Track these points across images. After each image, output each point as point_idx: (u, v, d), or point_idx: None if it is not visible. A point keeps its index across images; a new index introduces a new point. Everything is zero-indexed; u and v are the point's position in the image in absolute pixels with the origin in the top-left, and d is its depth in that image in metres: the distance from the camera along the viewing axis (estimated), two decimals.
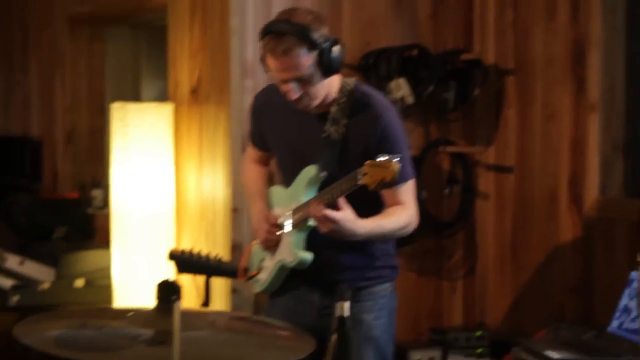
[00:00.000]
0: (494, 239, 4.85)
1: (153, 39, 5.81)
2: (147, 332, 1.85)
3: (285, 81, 2.97)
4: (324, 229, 2.89)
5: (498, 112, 4.83)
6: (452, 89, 4.72)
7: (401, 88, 4.58)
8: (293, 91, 2.97)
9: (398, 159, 2.70)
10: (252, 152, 3.40)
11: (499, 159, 4.83)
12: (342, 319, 2.08)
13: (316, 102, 3.02)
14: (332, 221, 2.86)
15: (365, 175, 2.74)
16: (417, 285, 4.79)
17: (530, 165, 4.71)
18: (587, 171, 4.47)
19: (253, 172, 3.39)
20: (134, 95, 5.48)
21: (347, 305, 2.11)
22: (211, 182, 4.48)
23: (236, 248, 4.31)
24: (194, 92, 4.62)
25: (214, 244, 4.43)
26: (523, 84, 4.74)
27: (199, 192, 4.58)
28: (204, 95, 4.55)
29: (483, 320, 4.83)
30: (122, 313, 1.95)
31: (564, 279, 4.53)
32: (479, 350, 4.59)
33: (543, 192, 4.65)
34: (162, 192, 4.58)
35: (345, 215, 2.87)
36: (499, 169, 4.83)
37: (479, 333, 4.62)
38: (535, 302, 4.65)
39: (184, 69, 4.68)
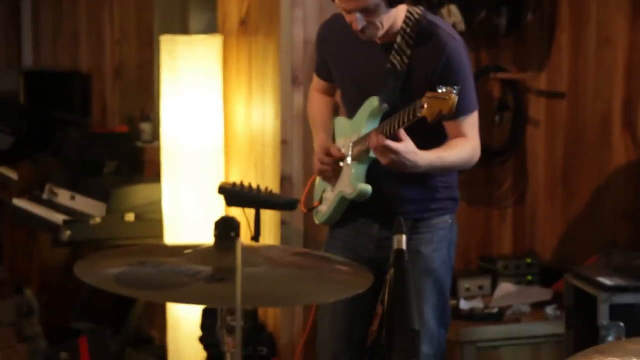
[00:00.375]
0: (545, 166, 4.81)
1: None
2: (207, 269, 1.86)
3: (351, 11, 2.95)
4: (384, 160, 2.89)
5: (551, 37, 4.75)
6: (504, 14, 4.64)
7: (452, 14, 4.52)
8: (358, 21, 2.95)
9: (456, 91, 2.68)
10: (317, 83, 3.40)
11: (551, 85, 4.76)
12: (400, 251, 2.09)
13: (381, 32, 2.99)
14: (393, 152, 2.85)
15: (424, 107, 2.73)
16: (467, 214, 4.77)
17: (583, 91, 4.64)
18: None
19: (318, 103, 3.39)
20: (183, 27, 5.46)
21: (404, 238, 2.11)
22: (260, 115, 4.47)
23: (285, 181, 4.32)
24: (243, 23, 4.59)
25: (263, 177, 4.44)
26: (577, 8, 4.64)
27: (249, 125, 4.58)
28: (253, 26, 4.53)
29: (533, 248, 4.82)
30: (180, 250, 1.97)
31: (616, 205, 4.49)
32: (529, 278, 4.59)
33: (596, 118, 4.58)
34: (212, 125, 4.59)
35: (406, 147, 2.86)
36: (551, 95, 4.76)
37: (529, 261, 4.61)
38: (587, 228, 4.62)
39: (234, 0, 4.65)
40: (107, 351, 4.62)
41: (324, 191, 3.29)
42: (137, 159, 5.45)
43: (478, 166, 4.72)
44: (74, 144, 5.43)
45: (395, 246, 2.09)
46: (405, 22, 3.03)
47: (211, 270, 1.86)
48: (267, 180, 4.40)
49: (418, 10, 3.07)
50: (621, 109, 4.46)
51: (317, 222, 3.35)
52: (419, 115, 2.77)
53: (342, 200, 3.17)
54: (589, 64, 4.60)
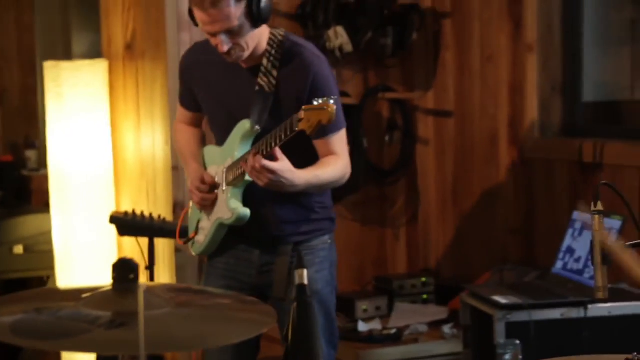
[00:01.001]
0: (436, 184, 4.86)
1: None
2: (106, 314, 1.80)
3: (215, 34, 2.93)
4: (261, 182, 2.87)
5: (436, 56, 4.81)
6: (390, 34, 4.68)
7: (339, 36, 4.54)
8: (223, 43, 2.93)
9: (333, 100, 2.69)
10: (182, 114, 3.35)
11: (438, 103, 4.83)
12: (302, 286, 2.06)
13: (247, 53, 2.98)
14: (271, 172, 2.84)
15: (302, 121, 2.73)
16: (361, 234, 4.80)
17: (470, 109, 4.71)
18: (526, 112, 4.48)
19: (185, 134, 3.34)
20: (65, 51, 5.36)
21: (305, 272, 2.09)
22: (150, 141, 4.40)
23: (178, 206, 4.26)
24: (129, 47, 4.52)
25: (155, 204, 4.38)
26: (460, 27, 4.72)
27: (138, 151, 4.50)
28: (139, 50, 4.46)
29: (428, 266, 4.86)
30: (77, 294, 1.90)
31: (506, 221, 4.57)
32: (425, 297, 4.62)
33: (483, 135, 4.66)
34: (100, 152, 4.50)
35: (283, 166, 2.86)
36: (439, 114, 4.83)
37: (423, 279, 4.65)
38: (479, 245, 4.69)
39: (118, 24, 4.57)
40: None
41: (199, 221, 3.24)
42: (24, 188, 5.31)
43: (370, 186, 4.79)
44: None
45: (297, 281, 2.07)
46: (269, 43, 3.03)
47: (110, 315, 1.81)
48: (159, 207, 4.33)
49: (280, 32, 3.08)
50: (507, 125, 4.55)
51: (193, 253, 3.29)
52: (296, 129, 2.76)
53: (220, 226, 3.13)
54: (474, 81, 4.67)
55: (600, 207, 2.39)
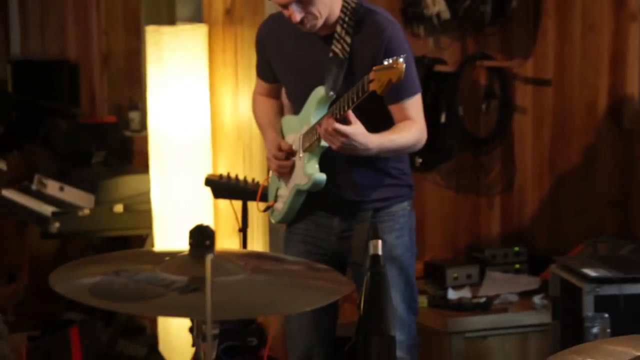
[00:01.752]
0: (532, 153, 4.81)
1: None
2: (181, 279, 1.87)
3: (286, 5, 2.97)
4: (335, 145, 2.92)
5: (536, 24, 4.74)
6: (488, 2, 4.62)
7: (437, 3, 4.51)
8: (296, 13, 2.97)
9: (403, 58, 2.71)
10: (260, 86, 3.41)
11: (537, 72, 4.76)
12: (375, 257, 2.09)
13: (320, 21, 3.02)
14: (344, 135, 2.87)
15: (373, 82, 2.76)
16: (455, 202, 4.79)
17: (569, 78, 4.64)
18: (627, 83, 4.39)
19: (263, 106, 3.39)
20: (169, 15, 5.45)
21: (380, 243, 2.12)
22: (247, 105, 4.47)
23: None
24: (228, 13, 4.58)
25: (250, 167, 4.45)
26: None
27: (236, 116, 4.58)
28: (238, 16, 4.52)
29: (521, 236, 4.83)
30: (157, 258, 1.97)
31: (603, 193, 4.50)
32: (517, 266, 4.60)
33: (582, 105, 4.59)
34: (199, 116, 4.59)
35: (355, 129, 2.89)
36: (537, 82, 4.76)
37: (516, 249, 4.62)
38: (574, 216, 4.63)
39: None
40: (98, 341, 4.64)
41: (277, 189, 3.29)
42: (126, 149, 5.45)
43: (465, 154, 4.77)
44: (62, 134, 5.43)
45: (372, 251, 2.10)
46: (342, 11, 3.06)
47: (186, 280, 1.87)
48: (254, 170, 4.41)
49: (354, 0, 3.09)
50: (607, 96, 4.47)
51: (273, 221, 3.35)
52: (367, 90, 2.80)
53: (298, 193, 3.18)
54: (574, 51, 4.60)
55: None
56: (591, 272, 3.59)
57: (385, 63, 2.75)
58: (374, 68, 2.78)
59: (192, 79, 4.56)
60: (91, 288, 1.85)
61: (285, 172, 3.21)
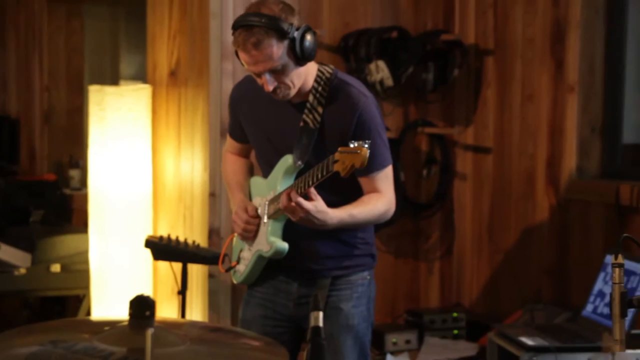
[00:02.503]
0: (472, 219, 4.87)
1: (131, 14, 5.77)
2: (120, 350, 1.84)
3: (259, 74, 2.97)
4: (295, 218, 2.92)
5: (477, 92, 4.83)
6: (431, 70, 4.71)
7: (380, 70, 4.57)
8: (269, 83, 2.97)
9: (367, 145, 2.71)
10: (231, 145, 3.40)
11: (478, 139, 4.84)
12: (316, 329, 2.09)
13: (293, 91, 3.01)
14: (303, 211, 2.88)
15: (337, 162, 2.76)
16: (394, 267, 4.81)
17: (509, 147, 4.72)
18: (565, 152, 4.48)
19: (233, 165, 3.39)
20: (113, 73, 5.45)
21: (321, 315, 2.11)
22: (189, 167, 4.47)
23: (213, 233, 4.31)
24: (173, 74, 4.59)
25: (191, 229, 4.43)
26: (502, 65, 4.74)
27: (177, 177, 4.57)
28: (182, 78, 4.53)
29: (460, 302, 4.86)
30: (95, 327, 1.95)
31: (540, 260, 4.56)
32: (455, 332, 4.62)
33: (520, 173, 4.66)
34: (140, 176, 4.57)
35: (316, 206, 2.89)
36: (477, 150, 4.84)
37: (455, 314, 4.65)
38: (512, 283, 4.68)
39: (163, 50, 4.65)
40: None
41: (241, 250, 3.29)
42: (65, 207, 5.40)
43: (406, 219, 4.80)
44: (0, 191, 5.36)
45: (312, 323, 2.09)
46: (316, 80, 3.06)
47: (125, 352, 1.85)
48: (195, 232, 4.39)
49: (328, 69, 3.10)
50: (545, 164, 4.55)
51: (235, 281, 3.34)
52: (331, 170, 2.80)
53: (259, 258, 3.18)
54: (514, 120, 4.68)
55: (621, 260, 2.39)
56: (528, 341, 3.62)
57: (351, 146, 2.74)
58: (339, 149, 2.77)
59: (134, 139, 4.55)
60: (27, 359, 1.82)
61: (249, 236, 3.21)
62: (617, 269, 2.38)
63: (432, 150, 4.89)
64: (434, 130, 4.85)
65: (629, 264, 3.64)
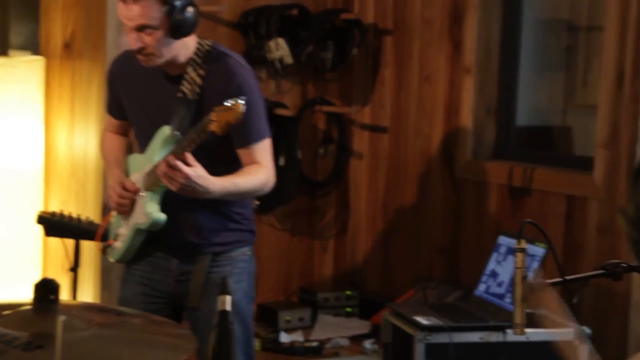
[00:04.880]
0: (367, 198, 4.90)
1: None
2: (23, 335, 1.79)
3: (131, 30, 2.96)
4: (175, 186, 2.91)
5: (375, 72, 4.85)
6: (330, 48, 4.71)
7: (280, 48, 4.54)
8: (135, 40, 2.96)
9: (242, 101, 2.74)
10: (110, 122, 3.37)
11: (375, 119, 4.86)
12: (224, 313, 2.06)
13: (159, 60, 3.01)
14: (182, 176, 2.86)
15: (213, 122, 2.78)
16: (289, 244, 4.81)
17: (405, 126, 4.75)
18: (460, 134, 4.53)
19: (110, 142, 3.36)
20: (2, 42, 5.26)
21: (228, 299, 2.09)
22: (83, 142, 4.37)
23: (107, 209, 4.22)
24: (67, 46, 4.47)
25: (84, 205, 4.34)
26: (400, 45, 4.76)
27: (70, 152, 4.46)
28: (77, 50, 4.41)
29: (353, 280, 4.89)
30: None
31: (434, 240, 4.62)
32: (349, 310, 4.66)
33: (416, 153, 4.70)
34: (31, 150, 4.45)
35: (195, 171, 2.90)
36: (374, 129, 4.86)
37: (348, 292, 4.68)
38: (405, 261, 4.73)
39: (57, 20, 4.52)
40: None
41: (118, 227, 3.25)
42: None
43: (301, 197, 4.80)
44: None
45: (220, 307, 2.07)
46: (195, 52, 3.07)
47: (28, 336, 1.79)
48: (88, 208, 4.30)
49: (208, 42, 3.12)
50: (440, 145, 4.60)
51: (111, 259, 3.30)
52: (207, 130, 2.81)
53: (137, 232, 3.14)
54: (410, 100, 4.72)
55: (523, 244, 2.42)
56: (423, 320, 3.66)
57: (226, 104, 2.77)
58: (214, 109, 2.80)
59: (25, 112, 4.42)
60: None
61: (125, 210, 3.17)
62: (519, 254, 2.41)
63: (329, 129, 4.90)
64: (331, 109, 4.85)
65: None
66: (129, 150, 3.34)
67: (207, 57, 3.07)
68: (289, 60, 4.54)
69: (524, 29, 4.53)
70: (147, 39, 2.97)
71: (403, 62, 4.75)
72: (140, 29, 2.95)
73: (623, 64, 3.72)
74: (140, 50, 2.99)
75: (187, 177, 2.88)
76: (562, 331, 3.62)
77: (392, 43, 4.79)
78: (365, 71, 4.85)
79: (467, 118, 4.51)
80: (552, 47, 4.74)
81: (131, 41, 2.98)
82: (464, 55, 4.50)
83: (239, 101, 2.76)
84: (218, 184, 2.97)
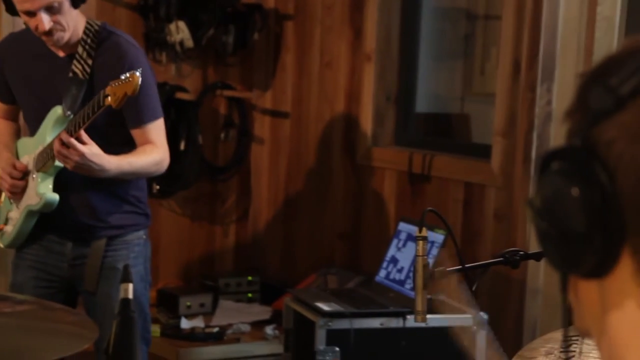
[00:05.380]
0: (268, 184, 4.90)
1: None
2: None
3: (35, 12, 2.92)
4: (70, 164, 2.89)
5: (276, 57, 4.84)
6: (231, 32, 4.68)
7: (180, 31, 4.50)
8: (44, 22, 2.92)
9: (139, 72, 2.74)
10: None
11: (276, 104, 4.86)
12: (126, 301, 2.05)
13: (67, 34, 3.01)
14: (77, 154, 2.84)
15: (108, 96, 2.77)
16: (190, 229, 4.78)
17: (306, 112, 4.76)
18: (361, 120, 4.56)
19: None
20: None
21: (130, 286, 2.07)
22: None
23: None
24: None
25: None
26: (301, 30, 4.76)
27: None
28: None
29: (255, 265, 4.89)
30: None
31: (335, 225, 4.64)
32: (250, 295, 4.66)
33: (317, 139, 4.72)
34: None
35: (90, 149, 2.87)
36: (275, 114, 4.86)
37: (250, 278, 4.68)
38: (306, 247, 4.75)
39: None
40: None
41: (8, 211, 3.20)
42: None
43: (202, 182, 4.78)
44: None
45: (122, 295, 2.05)
46: (84, 32, 3.06)
47: None
48: None
49: (97, 22, 3.12)
50: (341, 131, 4.62)
51: (1, 245, 3.24)
52: (103, 104, 2.81)
53: (29, 214, 3.10)
54: (312, 86, 4.73)
55: (425, 233, 2.45)
56: (324, 306, 3.69)
57: (122, 77, 2.76)
58: (110, 83, 2.80)
59: None
60: None
61: (17, 192, 3.12)
62: (420, 242, 2.44)
63: (231, 114, 4.87)
64: (232, 94, 4.83)
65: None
66: (18, 135, 3.28)
67: (97, 37, 3.06)
68: (189, 43, 4.50)
69: (423, 17, 4.57)
70: (56, 15, 2.94)
71: (304, 47, 4.75)
72: (49, 8, 2.91)
73: (519, 53, 3.79)
74: (49, 31, 2.94)
75: (82, 154, 2.85)
76: (460, 317, 3.69)
77: (293, 28, 4.79)
78: (267, 56, 4.84)
79: (367, 104, 4.54)
80: (451, 35, 4.81)
81: (38, 25, 2.93)
82: (364, 42, 4.52)
83: (136, 73, 2.76)
84: (114, 162, 2.96)
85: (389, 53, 4.55)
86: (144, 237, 3.23)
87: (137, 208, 3.20)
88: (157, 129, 3.10)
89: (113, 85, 2.78)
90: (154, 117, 3.08)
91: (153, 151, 3.07)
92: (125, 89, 2.76)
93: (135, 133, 3.07)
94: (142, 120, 3.03)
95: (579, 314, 1.05)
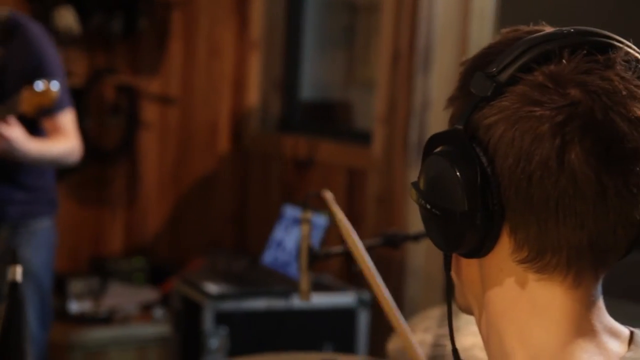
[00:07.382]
0: (157, 168, 4.96)
1: None
2: None
3: None
4: None
5: (164, 44, 4.90)
6: (119, 18, 4.71)
7: (66, 17, 4.51)
8: None
9: (57, 85, 2.78)
10: None
11: (163, 90, 4.92)
12: (14, 284, 2.08)
13: None
14: (6, 138, 2.88)
15: (24, 103, 2.80)
16: (78, 214, 4.81)
17: (193, 99, 4.84)
18: (247, 107, 4.67)
19: None
20: None
21: (19, 269, 2.11)
22: None
23: None
24: None
25: None
26: (188, 17, 4.83)
27: None
28: None
29: (144, 248, 4.96)
30: None
31: (222, 209, 4.75)
32: (139, 278, 4.72)
33: (205, 126, 4.81)
34: None
35: (18, 133, 2.91)
36: (163, 100, 4.92)
37: (138, 261, 4.74)
38: (194, 230, 4.84)
39: None
40: None
41: None
42: None
43: (90, 167, 4.80)
44: None
45: (10, 277, 2.08)
46: None
47: None
48: None
49: (4, 11, 3.14)
50: (228, 118, 4.72)
51: None
52: (18, 111, 2.84)
53: None
54: (199, 73, 4.81)
55: (309, 215, 2.57)
56: (212, 289, 3.79)
57: (38, 86, 2.79)
58: (25, 89, 2.82)
59: None
60: None
61: None
62: (305, 225, 2.56)
63: (118, 100, 4.91)
64: (120, 79, 4.87)
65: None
66: None
67: (5, 26, 3.08)
68: (75, 29, 4.52)
69: (308, 7, 4.70)
70: None
71: (191, 35, 4.83)
72: None
73: (399, 43, 3.94)
74: None
75: (10, 139, 2.89)
76: (343, 296, 3.84)
77: (180, 15, 4.85)
78: (154, 43, 4.90)
79: (254, 92, 4.65)
80: (334, 25, 4.95)
81: None
82: (250, 30, 4.63)
83: (52, 86, 2.78)
84: (35, 148, 3.00)
85: (274, 41, 4.66)
86: (50, 224, 3.27)
87: (44, 196, 3.23)
88: (66, 119, 3.15)
89: (28, 92, 2.81)
90: (64, 107, 3.13)
91: (65, 140, 3.12)
92: (42, 101, 2.80)
93: (46, 122, 3.11)
94: (53, 110, 3.05)
95: (460, 292, 1.10)
